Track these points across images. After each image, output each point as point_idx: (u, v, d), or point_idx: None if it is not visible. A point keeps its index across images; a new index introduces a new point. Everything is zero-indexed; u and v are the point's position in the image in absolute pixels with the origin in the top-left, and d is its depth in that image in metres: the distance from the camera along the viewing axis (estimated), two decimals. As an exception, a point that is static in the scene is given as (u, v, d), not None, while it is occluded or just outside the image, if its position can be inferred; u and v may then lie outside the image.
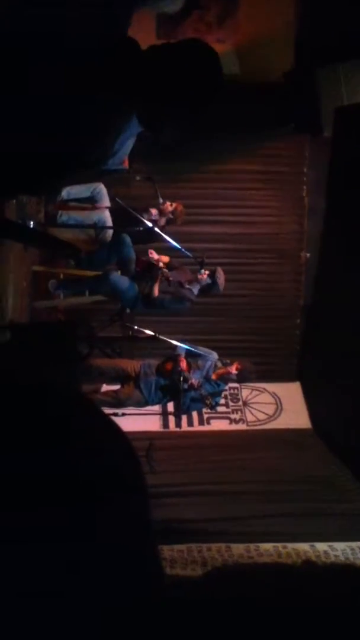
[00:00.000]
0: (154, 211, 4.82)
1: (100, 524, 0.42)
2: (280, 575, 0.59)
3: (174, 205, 4.90)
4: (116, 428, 0.52)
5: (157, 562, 0.49)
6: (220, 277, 4.88)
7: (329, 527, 4.29)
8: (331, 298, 5.75)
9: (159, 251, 4.98)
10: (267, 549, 4.09)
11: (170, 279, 4.72)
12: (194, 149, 5.47)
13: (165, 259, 4.90)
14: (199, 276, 4.86)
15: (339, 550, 4.09)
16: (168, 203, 4.87)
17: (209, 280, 4.86)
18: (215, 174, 5.96)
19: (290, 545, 4.12)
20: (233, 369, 4.66)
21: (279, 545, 4.12)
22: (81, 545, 0.40)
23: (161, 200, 4.66)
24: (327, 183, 5.94)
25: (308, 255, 6.12)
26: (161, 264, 4.74)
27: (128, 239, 4.77)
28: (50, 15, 1.59)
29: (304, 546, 4.12)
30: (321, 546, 4.13)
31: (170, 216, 4.89)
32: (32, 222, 4.27)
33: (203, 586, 0.58)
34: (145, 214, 4.69)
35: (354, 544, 4.14)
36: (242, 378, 4.79)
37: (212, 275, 4.86)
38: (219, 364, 4.76)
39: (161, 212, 4.86)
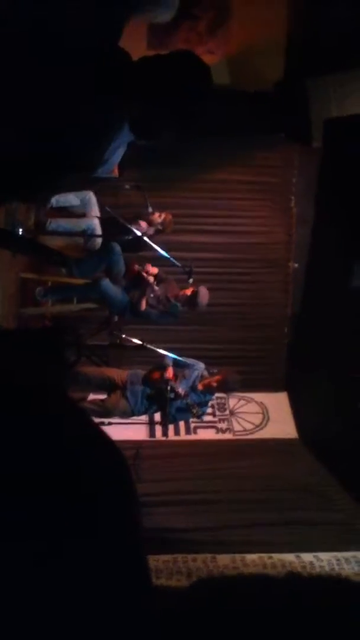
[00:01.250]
0: (143, 224, 4.82)
1: (99, 522, 0.42)
2: (263, 586, 0.59)
3: (163, 216, 4.91)
4: (103, 432, 0.52)
5: (147, 568, 0.49)
6: (203, 299, 4.80)
7: (315, 537, 4.29)
8: (319, 308, 5.78)
9: (148, 260, 4.98)
10: (253, 560, 4.08)
11: (159, 295, 4.70)
12: (184, 158, 5.50)
13: (154, 270, 4.90)
14: (182, 293, 4.84)
15: (325, 561, 4.08)
16: (157, 214, 4.88)
17: (190, 303, 4.83)
18: (205, 183, 5.98)
19: (276, 556, 4.10)
20: (214, 381, 4.66)
21: (265, 555, 4.11)
22: (79, 543, 0.40)
23: (150, 209, 4.66)
24: (316, 193, 5.98)
25: (296, 265, 6.16)
26: (151, 279, 4.72)
27: (118, 248, 4.76)
28: (44, 20, 1.59)
29: (289, 557, 4.11)
30: (307, 557, 4.12)
31: (159, 227, 4.90)
32: (21, 229, 4.25)
33: (188, 598, 0.57)
34: (134, 223, 4.69)
35: (339, 555, 4.14)
36: (225, 388, 4.79)
37: (193, 298, 4.80)
38: (206, 374, 4.75)
39: (150, 223, 4.86)
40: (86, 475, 0.44)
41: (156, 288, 4.73)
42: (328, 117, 5.38)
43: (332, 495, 4.88)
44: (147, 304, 4.80)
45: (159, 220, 4.89)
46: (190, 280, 4.80)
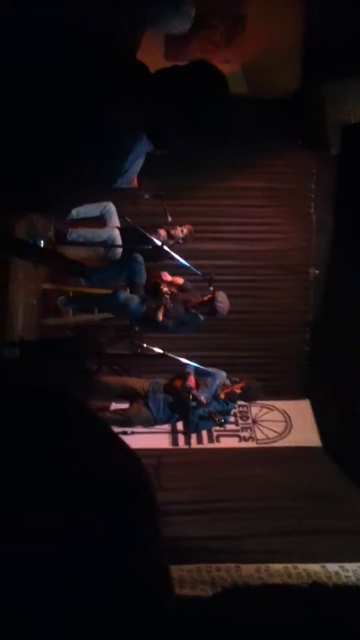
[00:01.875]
0: (162, 232, 4.84)
1: (98, 529, 0.42)
2: (289, 596, 0.58)
3: (185, 231, 4.92)
4: (119, 439, 0.53)
5: (164, 575, 0.49)
6: (221, 304, 4.71)
7: (340, 546, 4.24)
8: (339, 314, 5.73)
9: (168, 269, 5.00)
10: (278, 570, 4.04)
11: (169, 306, 4.65)
12: (202, 166, 5.51)
13: (179, 280, 4.89)
14: (199, 301, 4.80)
15: (351, 571, 4.03)
16: (178, 229, 4.89)
17: (207, 309, 4.79)
18: (223, 191, 5.99)
19: (301, 566, 4.06)
20: (237, 389, 4.64)
21: (290, 565, 4.07)
22: (78, 549, 0.40)
23: (169, 218, 4.68)
24: (335, 199, 5.96)
25: (316, 271, 6.12)
26: (165, 289, 4.70)
27: (140, 258, 4.78)
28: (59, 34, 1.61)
29: (314, 567, 4.06)
30: (332, 567, 4.07)
31: (180, 241, 4.92)
32: (42, 241, 4.30)
33: (212, 605, 0.57)
34: (153, 233, 4.71)
35: (365, 564, 4.08)
36: (247, 396, 4.76)
37: (210, 302, 4.73)
38: (228, 383, 4.73)
39: (171, 237, 4.87)
40: (86, 481, 0.44)
41: (168, 299, 4.68)
42: (346, 124, 5.36)
43: (357, 503, 4.82)
44: (164, 315, 4.79)
45: (181, 235, 4.91)
46: (211, 288, 4.79)
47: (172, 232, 4.86)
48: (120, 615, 0.41)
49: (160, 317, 4.74)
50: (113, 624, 0.40)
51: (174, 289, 4.78)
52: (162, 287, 4.72)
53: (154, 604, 0.45)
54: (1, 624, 0.36)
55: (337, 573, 4.03)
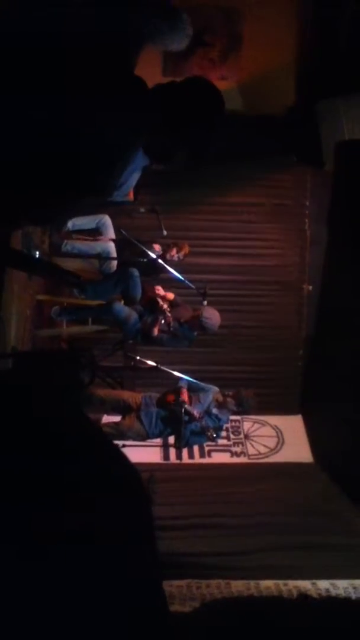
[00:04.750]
0: (157, 247, 4.86)
1: (98, 528, 0.42)
2: (276, 607, 0.58)
3: (181, 253, 4.94)
4: (114, 445, 0.53)
5: (159, 579, 0.48)
6: (208, 320, 4.70)
7: (331, 562, 4.21)
8: (333, 330, 5.75)
9: (161, 282, 5.01)
10: (268, 586, 4.01)
11: (170, 322, 4.67)
12: (198, 181, 5.56)
13: (170, 296, 4.91)
14: (190, 317, 4.81)
15: (341, 589, 4.00)
16: (174, 250, 4.91)
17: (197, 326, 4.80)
18: (218, 206, 6.03)
19: (292, 583, 4.03)
20: (229, 398, 4.64)
21: (280, 582, 4.03)
22: (78, 548, 0.40)
23: (165, 232, 4.70)
24: (329, 215, 6.00)
25: (310, 287, 6.15)
26: (165, 306, 4.71)
27: (136, 273, 4.79)
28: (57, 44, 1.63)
29: (305, 583, 4.03)
30: (323, 584, 4.04)
31: (176, 260, 4.94)
32: (37, 252, 4.31)
33: (202, 615, 0.57)
34: (148, 246, 4.72)
35: (356, 582, 4.05)
36: (240, 405, 4.73)
37: (197, 319, 4.71)
38: (220, 397, 4.72)
39: (165, 256, 4.89)
40: (85, 481, 0.44)
41: (169, 315, 4.71)
42: (340, 140, 5.42)
43: (349, 520, 4.80)
44: (159, 329, 4.80)
45: (175, 257, 4.92)
46: (205, 302, 4.81)
47: (167, 255, 4.88)
48: (115, 625, 0.41)
49: (156, 332, 4.75)
50: (109, 634, 0.40)
51: (167, 304, 4.79)
52: (160, 302, 4.73)
53: (150, 617, 0.45)
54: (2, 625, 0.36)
55: (327, 590, 4.00)
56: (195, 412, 4.44)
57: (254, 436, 6.04)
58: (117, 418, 4.76)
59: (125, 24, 1.89)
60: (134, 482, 0.51)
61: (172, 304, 4.86)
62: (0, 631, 0.36)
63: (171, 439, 4.86)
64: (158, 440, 4.91)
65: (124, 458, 0.52)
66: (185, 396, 4.51)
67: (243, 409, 4.83)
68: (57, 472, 0.43)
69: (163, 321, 4.73)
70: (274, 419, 6.16)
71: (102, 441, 0.53)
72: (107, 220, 4.97)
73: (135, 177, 2.04)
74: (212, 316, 4.73)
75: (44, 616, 0.38)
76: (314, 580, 4.05)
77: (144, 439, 4.62)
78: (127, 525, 0.45)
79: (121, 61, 1.80)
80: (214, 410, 4.64)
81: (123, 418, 4.67)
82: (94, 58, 1.68)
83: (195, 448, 5.57)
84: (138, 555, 0.45)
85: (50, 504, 0.41)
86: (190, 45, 3.14)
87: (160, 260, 4.59)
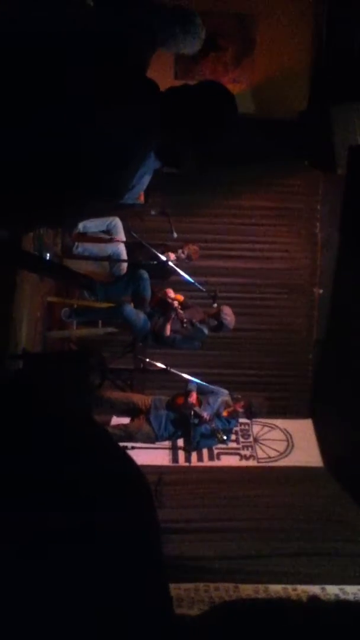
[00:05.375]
0: (172, 255, 4.87)
1: (99, 528, 0.42)
2: (285, 609, 0.58)
3: (186, 252, 4.97)
4: (118, 445, 0.52)
5: (163, 581, 0.48)
6: (227, 317, 4.83)
7: (340, 569, 4.19)
8: (344, 334, 5.72)
9: (172, 285, 5.02)
10: (277, 591, 3.99)
11: (184, 320, 4.72)
12: (209, 184, 5.56)
13: (180, 298, 4.93)
14: (206, 316, 4.86)
15: (351, 594, 3.97)
16: (180, 252, 4.93)
17: (214, 321, 4.85)
18: (230, 209, 6.03)
19: (301, 587, 4.01)
20: (239, 407, 4.63)
21: (289, 587, 4.01)
22: (78, 548, 0.40)
23: (175, 235, 4.71)
24: (341, 219, 5.98)
25: (321, 291, 6.13)
26: (176, 304, 4.75)
27: (146, 275, 4.81)
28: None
29: (314, 589, 4.01)
30: (332, 589, 4.02)
31: (186, 261, 4.96)
32: (48, 254, 4.33)
33: (210, 618, 0.57)
34: (159, 249, 4.73)
35: (366, 588, 4.03)
36: (250, 414, 4.74)
37: (217, 315, 4.83)
38: (229, 401, 4.72)
39: (177, 259, 4.91)
40: (86, 481, 0.44)
41: (180, 312, 4.75)
42: (352, 145, 5.40)
43: (358, 524, 4.76)
44: (172, 330, 4.82)
45: (184, 256, 4.95)
46: (215, 305, 4.82)
47: (177, 255, 4.89)
48: (115, 625, 0.41)
49: (168, 331, 4.77)
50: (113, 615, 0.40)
51: (178, 305, 4.81)
52: (170, 301, 4.75)
53: (155, 618, 0.45)
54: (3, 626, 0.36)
55: (336, 596, 3.98)
56: (205, 415, 4.43)
57: (263, 439, 6.02)
58: (126, 420, 4.76)
59: (139, 27, 1.90)
60: (137, 482, 0.51)
61: (182, 305, 4.87)
62: (0, 631, 0.36)
63: (180, 442, 4.86)
64: (167, 443, 4.91)
65: (127, 458, 0.52)
66: (194, 399, 4.51)
67: (253, 414, 4.83)
68: (58, 471, 0.43)
69: (176, 318, 4.75)
70: (283, 423, 6.14)
71: (105, 441, 0.53)
72: (117, 222, 4.99)
73: (146, 180, 2.04)
74: (230, 314, 4.83)
75: (43, 616, 0.38)
76: (323, 586, 4.03)
77: (152, 442, 4.62)
78: (129, 524, 0.45)
79: (133, 64, 1.81)
80: (224, 413, 4.63)
81: (132, 420, 4.67)
82: (106, 61, 1.69)
83: (204, 451, 5.56)
84: (140, 554, 0.45)
85: (51, 503, 0.41)
86: (203, 49, 3.16)
87: (170, 263, 4.60)
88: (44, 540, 0.39)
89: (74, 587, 0.39)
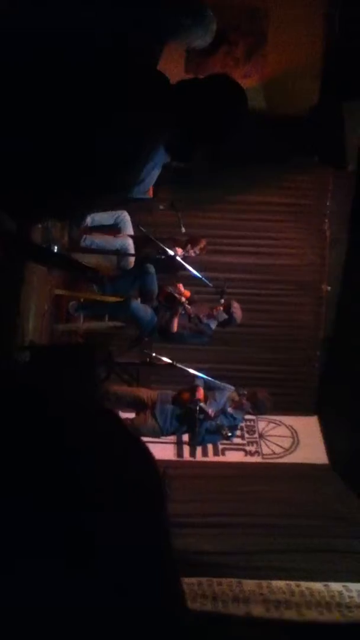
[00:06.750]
0: (179, 250, 4.85)
1: (99, 532, 0.41)
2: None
3: (197, 247, 4.96)
4: (133, 441, 0.52)
5: (173, 579, 0.48)
6: (236, 311, 4.86)
7: (344, 566, 4.19)
8: (352, 331, 5.70)
9: (180, 280, 5.01)
10: (280, 587, 3.99)
11: (191, 314, 4.72)
12: (218, 180, 5.54)
13: (187, 293, 4.92)
14: (215, 310, 4.86)
15: (354, 591, 3.97)
16: (190, 248, 4.92)
17: (225, 315, 4.85)
18: (238, 205, 6.01)
19: (304, 584, 4.01)
20: (244, 399, 4.63)
21: (292, 583, 4.02)
22: (79, 551, 0.40)
23: (183, 230, 4.70)
24: (350, 216, 5.95)
25: (329, 288, 6.10)
26: (184, 299, 4.75)
27: (152, 269, 4.81)
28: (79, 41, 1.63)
29: (318, 585, 4.01)
30: (336, 586, 4.02)
31: (193, 255, 4.95)
32: (56, 246, 4.33)
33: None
34: (167, 243, 4.72)
35: (370, 586, 4.02)
36: (255, 407, 4.73)
37: (227, 309, 4.85)
38: (235, 397, 4.72)
39: (182, 253, 4.90)
40: (89, 482, 0.44)
41: (188, 307, 4.74)
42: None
43: (363, 522, 4.76)
44: (180, 325, 4.82)
45: (192, 252, 4.94)
46: (222, 301, 4.82)
47: (186, 253, 4.88)
48: (131, 625, 0.40)
49: (175, 327, 4.77)
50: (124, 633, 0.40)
51: (185, 300, 4.81)
52: (177, 296, 4.74)
53: (168, 615, 0.45)
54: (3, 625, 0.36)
55: (340, 593, 3.97)
56: (211, 411, 4.43)
57: (268, 436, 6.02)
58: (131, 414, 4.77)
59: (150, 20, 1.89)
60: (148, 481, 0.51)
61: (188, 301, 4.87)
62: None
63: (186, 437, 4.87)
64: (172, 438, 4.92)
65: (141, 454, 0.52)
66: (200, 394, 4.51)
67: (258, 411, 4.83)
68: (61, 469, 0.43)
69: (184, 312, 4.75)
70: (289, 419, 6.14)
71: (115, 438, 0.52)
72: (125, 216, 4.98)
73: (155, 174, 2.04)
74: (238, 308, 4.86)
75: (43, 616, 0.37)
76: (326, 583, 4.03)
77: (158, 436, 4.62)
78: (135, 525, 0.45)
79: (144, 57, 1.80)
80: (229, 409, 4.63)
81: (137, 414, 4.68)
82: (116, 54, 1.68)
83: (210, 446, 5.57)
84: (145, 558, 0.44)
85: (51, 501, 0.41)
86: (214, 44, 3.13)
87: (178, 258, 4.60)
88: (43, 539, 0.39)
89: (74, 587, 0.39)
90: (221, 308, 4.86)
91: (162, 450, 5.05)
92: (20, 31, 1.60)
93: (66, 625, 0.38)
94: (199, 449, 5.20)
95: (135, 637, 0.41)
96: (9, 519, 0.39)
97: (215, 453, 5.69)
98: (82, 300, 5.11)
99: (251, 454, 5.86)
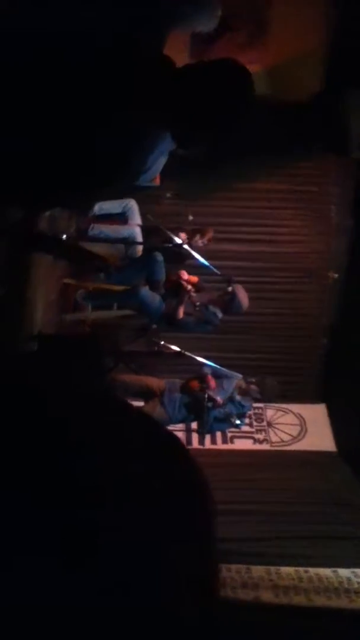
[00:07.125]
0: (183, 236, 4.83)
1: (102, 533, 0.41)
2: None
3: (205, 240, 4.93)
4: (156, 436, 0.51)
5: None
6: (241, 297, 4.78)
7: (352, 552, 4.21)
8: (358, 318, 5.69)
9: (187, 268, 5.00)
10: (289, 573, 4.02)
11: (197, 303, 4.70)
12: (223, 167, 5.50)
13: (194, 279, 4.91)
14: (219, 298, 4.82)
15: (363, 577, 4.00)
16: (198, 238, 4.89)
17: (229, 297, 4.80)
18: (244, 192, 5.98)
19: (312, 570, 4.04)
20: (252, 385, 4.64)
21: (301, 569, 4.04)
22: (78, 549, 0.40)
23: (190, 218, 4.69)
24: (355, 204, 5.92)
25: (336, 275, 6.08)
26: (189, 287, 4.74)
27: (160, 257, 4.80)
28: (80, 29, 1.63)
29: (326, 571, 4.03)
30: (344, 572, 4.04)
31: (200, 245, 4.93)
32: (63, 236, 4.33)
33: None
34: (175, 232, 4.71)
35: (378, 571, 4.05)
36: (263, 391, 4.73)
37: (232, 296, 4.77)
38: (243, 385, 4.72)
39: (190, 242, 4.88)
40: (91, 480, 0.43)
41: (194, 295, 4.74)
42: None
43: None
44: (185, 312, 4.81)
45: (200, 242, 4.91)
46: (230, 289, 4.80)
47: (193, 243, 4.86)
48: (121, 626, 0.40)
49: (181, 314, 4.76)
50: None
51: (191, 287, 4.80)
52: (184, 284, 4.73)
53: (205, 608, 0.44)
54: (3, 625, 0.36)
55: (349, 579, 4.00)
56: (219, 399, 4.44)
57: (276, 424, 6.03)
58: (140, 403, 4.79)
59: (152, 5, 1.88)
60: (178, 472, 0.50)
61: (196, 287, 4.86)
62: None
63: (194, 425, 4.88)
64: (180, 426, 4.94)
65: (165, 443, 0.51)
66: (212, 383, 4.52)
67: (266, 397, 4.83)
68: (64, 466, 0.43)
69: (189, 301, 4.74)
70: (297, 407, 6.14)
71: (126, 429, 0.52)
72: (133, 204, 4.97)
73: (161, 162, 2.03)
74: (244, 296, 4.79)
75: (42, 615, 0.37)
76: (334, 569, 4.06)
77: (166, 425, 4.63)
78: (137, 525, 0.44)
79: (148, 49, 1.79)
80: (237, 397, 4.64)
81: (146, 403, 4.69)
82: (116, 54, 1.67)
83: (218, 434, 5.58)
84: (149, 557, 0.44)
85: (51, 500, 0.41)
86: (217, 30, 3.11)
87: (186, 246, 4.59)
88: (42, 538, 0.39)
89: (74, 587, 0.39)
90: (228, 295, 4.83)
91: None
92: (20, 31, 1.60)
93: (65, 625, 0.37)
94: (207, 437, 5.21)
95: (135, 637, 0.40)
96: (6, 516, 0.39)
97: (224, 441, 5.71)
98: (90, 289, 5.11)
99: (260, 441, 5.88)
